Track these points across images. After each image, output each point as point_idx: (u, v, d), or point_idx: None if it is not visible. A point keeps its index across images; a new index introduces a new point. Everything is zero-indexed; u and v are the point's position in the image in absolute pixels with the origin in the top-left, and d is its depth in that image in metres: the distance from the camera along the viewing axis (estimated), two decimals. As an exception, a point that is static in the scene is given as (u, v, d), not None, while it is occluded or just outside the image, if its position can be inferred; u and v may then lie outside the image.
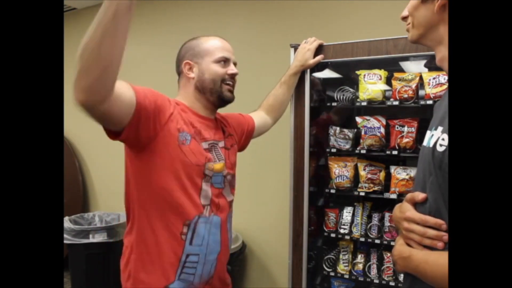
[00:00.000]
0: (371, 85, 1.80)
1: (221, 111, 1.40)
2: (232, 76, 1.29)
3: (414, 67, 1.84)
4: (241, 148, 1.53)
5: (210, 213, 1.22)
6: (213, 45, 1.27)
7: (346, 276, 1.94)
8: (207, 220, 1.20)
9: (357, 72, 1.85)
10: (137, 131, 1.05)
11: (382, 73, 1.80)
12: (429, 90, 1.68)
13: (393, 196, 1.79)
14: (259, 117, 1.63)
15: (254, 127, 1.57)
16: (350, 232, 1.91)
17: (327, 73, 2.00)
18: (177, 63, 1.31)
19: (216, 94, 1.26)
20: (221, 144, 1.30)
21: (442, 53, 0.85)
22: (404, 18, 0.91)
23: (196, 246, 1.18)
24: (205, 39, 1.29)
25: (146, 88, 1.10)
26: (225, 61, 1.27)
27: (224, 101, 1.29)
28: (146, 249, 1.16)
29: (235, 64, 1.32)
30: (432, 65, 1.78)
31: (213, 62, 1.25)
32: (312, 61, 1.77)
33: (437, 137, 0.79)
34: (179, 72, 1.30)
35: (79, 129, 3.54)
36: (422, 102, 1.71)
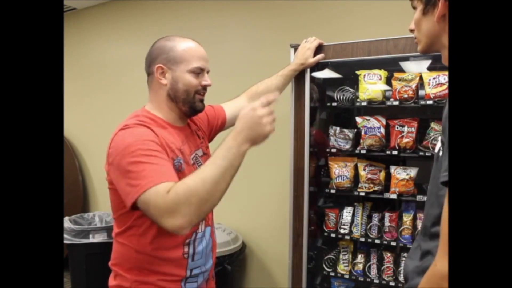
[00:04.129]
0: (371, 85, 1.80)
1: None
2: (205, 87, 1.23)
3: (414, 67, 1.84)
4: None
5: (204, 227, 1.23)
6: (189, 52, 1.19)
7: (346, 276, 1.94)
8: (203, 235, 1.22)
9: (357, 72, 1.85)
10: None
11: (382, 73, 1.80)
12: (429, 90, 1.68)
13: (393, 196, 1.79)
14: (236, 107, 1.55)
15: (225, 121, 1.51)
16: (350, 232, 1.91)
17: (327, 73, 2.00)
18: (147, 62, 1.22)
19: (189, 105, 1.21)
20: (200, 152, 1.28)
21: (445, 55, 0.89)
22: (412, 31, 0.95)
23: (197, 260, 1.20)
24: (180, 43, 1.20)
25: (156, 151, 1.05)
26: (200, 71, 1.21)
27: (196, 111, 1.25)
28: (149, 271, 1.14)
29: (208, 72, 1.25)
30: (432, 66, 1.78)
31: (188, 71, 1.18)
32: (312, 60, 1.78)
33: (439, 141, 0.79)
34: (149, 73, 1.23)
35: (79, 129, 3.54)
36: (422, 102, 1.71)
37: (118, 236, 1.17)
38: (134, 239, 1.13)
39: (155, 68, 1.19)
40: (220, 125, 1.50)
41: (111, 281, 1.19)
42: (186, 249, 1.16)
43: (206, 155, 1.32)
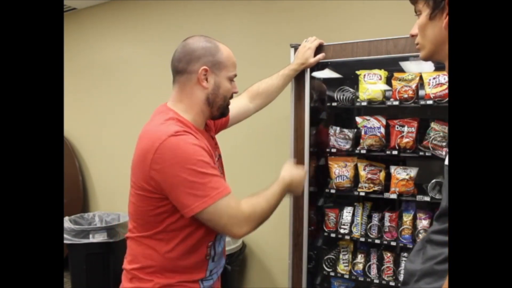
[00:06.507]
0: (371, 85, 1.80)
1: None
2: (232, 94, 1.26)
3: (414, 67, 1.84)
4: None
5: None
6: (230, 59, 1.20)
7: (346, 276, 1.94)
8: (221, 236, 1.24)
9: (357, 72, 1.85)
10: None
11: (382, 73, 1.80)
12: (429, 90, 1.68)
13: (393, 196, 1.79)
14: (238, 106, 1.56)
15: (228, 119, 1.51)
16: (350, 232, 1.91)
17: (327, 73, 2.00)
18: (186, 59, 1.16)
19: (221, 110, 1.22)
20: (217, 155, 1.28)
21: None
22: (414, 36, 0.91)
23: (216, 261, 1.23)
24: (223, 49, 1.19)
25: (211, 161, 1.11)
26: (233, 78, 1.23)
27: (223, 116, 1.28)
28: (172, 274, 1.14)
29: None
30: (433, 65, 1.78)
31: (228, 78, 1.19)
32: (312, 59, 1.78)
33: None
34: (186, 71, 1.16)
35: (79, 129, 3.54)
36: (422, 102, 1.71)
37: (145, 239, 1.14)
38: (163, 243, 1.12)
39: (200, 69, 1.14)
40: (224, 123, 1.50)
41: (127, 284, 1.17)
42: (209, 251, 1.18)
43: (221, 157, 1.32)
